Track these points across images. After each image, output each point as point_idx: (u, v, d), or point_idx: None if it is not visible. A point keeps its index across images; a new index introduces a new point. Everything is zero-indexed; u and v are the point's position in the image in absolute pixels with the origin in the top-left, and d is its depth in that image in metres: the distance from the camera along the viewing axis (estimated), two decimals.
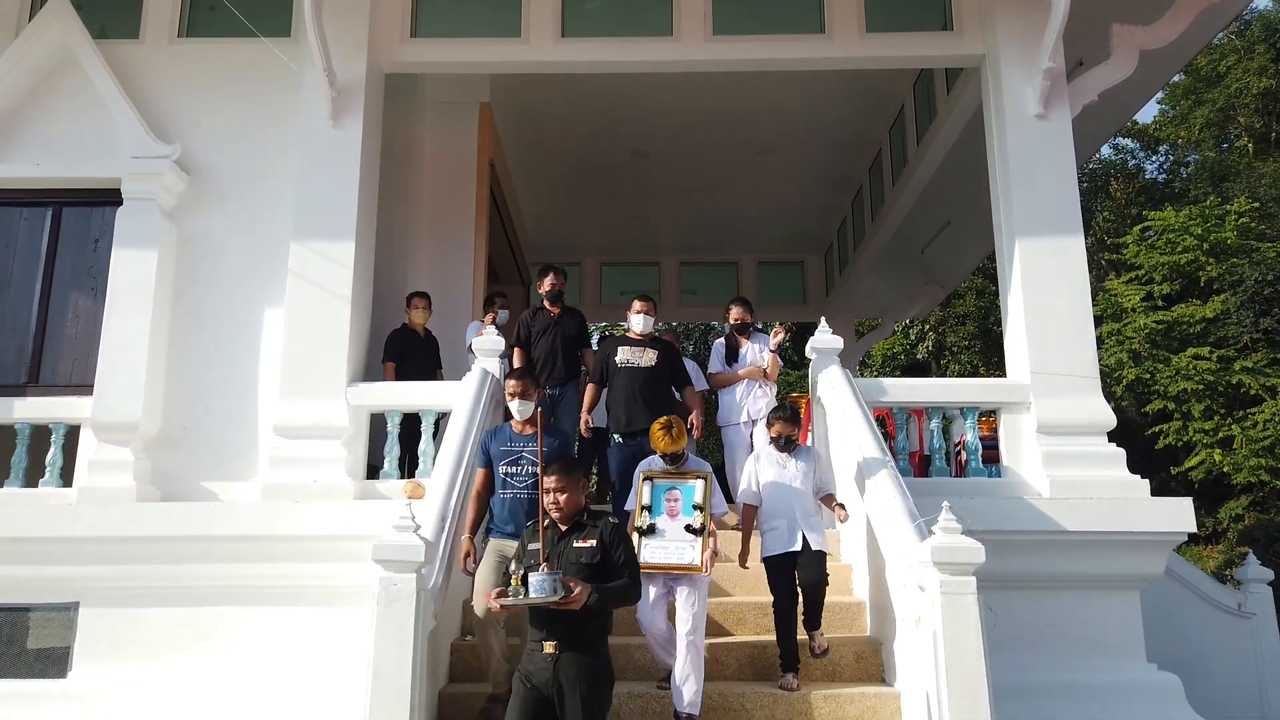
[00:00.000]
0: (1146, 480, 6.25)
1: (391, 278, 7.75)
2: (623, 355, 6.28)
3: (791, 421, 5.32)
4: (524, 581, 3.75)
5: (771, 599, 5.16)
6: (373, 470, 6.70)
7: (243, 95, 7.15)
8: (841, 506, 5.20)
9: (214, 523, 6.05)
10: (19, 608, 6.10)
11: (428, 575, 4.39)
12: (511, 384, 5.24)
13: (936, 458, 6.67)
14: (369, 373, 6.94)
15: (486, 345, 6.66)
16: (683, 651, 4.58)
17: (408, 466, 6.86)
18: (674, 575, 4.71)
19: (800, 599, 5.05)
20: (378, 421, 6.70)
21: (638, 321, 6.41)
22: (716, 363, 7.23)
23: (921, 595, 4.38)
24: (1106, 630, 6.02)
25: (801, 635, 5.06)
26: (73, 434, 6.56)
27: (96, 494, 6.19)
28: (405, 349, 7.25)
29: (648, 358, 6.24)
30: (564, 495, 4.01)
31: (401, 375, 7.03)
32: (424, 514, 4.79)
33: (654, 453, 5.35)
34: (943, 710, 4.05)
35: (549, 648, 3.78)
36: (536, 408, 4.86)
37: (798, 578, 5.03)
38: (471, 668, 5.16)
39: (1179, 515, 6.01)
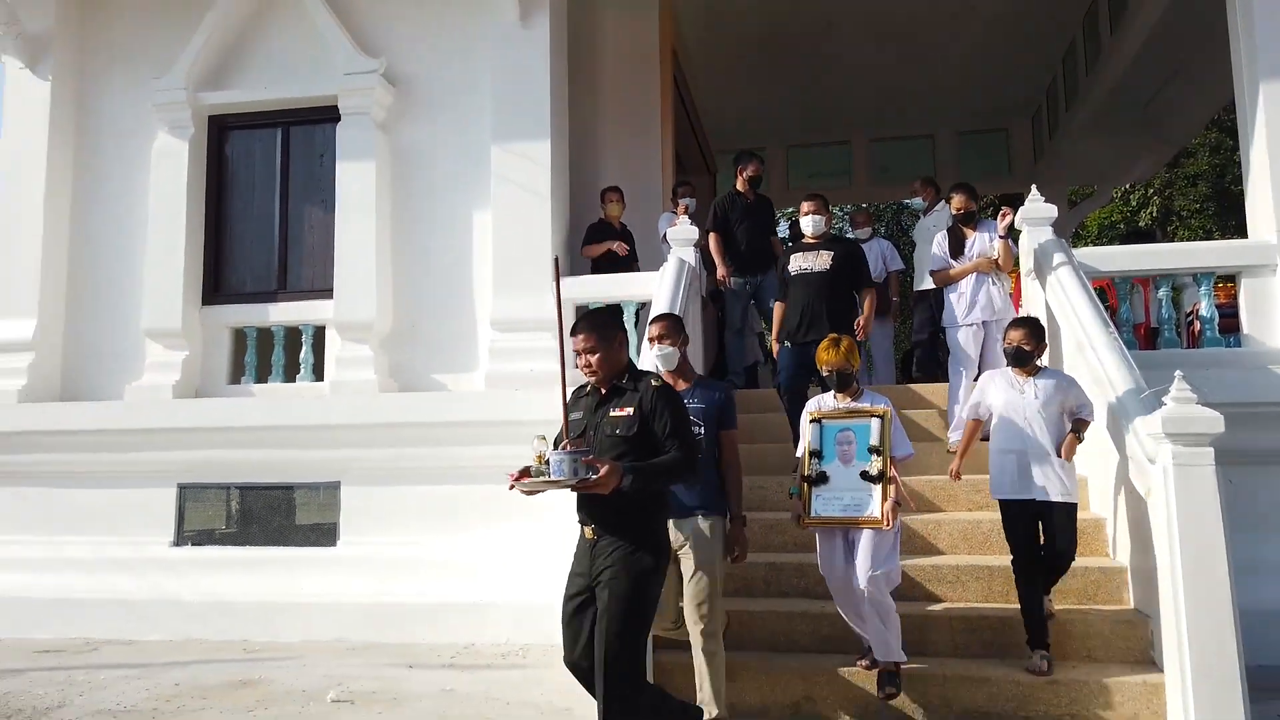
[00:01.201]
0: None
1: (584, 172, 7.94)
2: (796, 264, 5.90)
3: (1032, 333, 4.47)
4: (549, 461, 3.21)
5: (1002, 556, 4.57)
6: None
7: (436, 2, 7.39)
8: (1076, 437, 4.34)
9: (445, 410, 6.62)
10: (288, 485, 6.99)
11: None
12: (654, 327, 4.31)
13: (1166, 329, 6.23)
14: (572, 267, 7.23)
15: (681, 235, 6.76)
16: (864, 604, 4.08)
17: None
18: (854, 529, 4.11)
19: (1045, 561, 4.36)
20: (582, 313, 7.01)
21: (807, 224, 5.98)
22: (939, 258, 6.39)
23: (1151, 468, 4.19)
24: None
25: None
26: (319, 334, 7.30)
27: (344, 386, 6.90)
28: (603, 242, 7.47)
29: (822, 261, 5.82)
30: (595, 355, 3.40)
31: (600, 268, 7.29)
32: None
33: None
34: (1177, 584, 3.91)
35: (588, 532, 3.39)
36: (682, 352, 4.24)
37: (1042, 539, 4.34)
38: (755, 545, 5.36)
39: None
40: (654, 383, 3.41)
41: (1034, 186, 6.52)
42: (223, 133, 7.72)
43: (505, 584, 6.27)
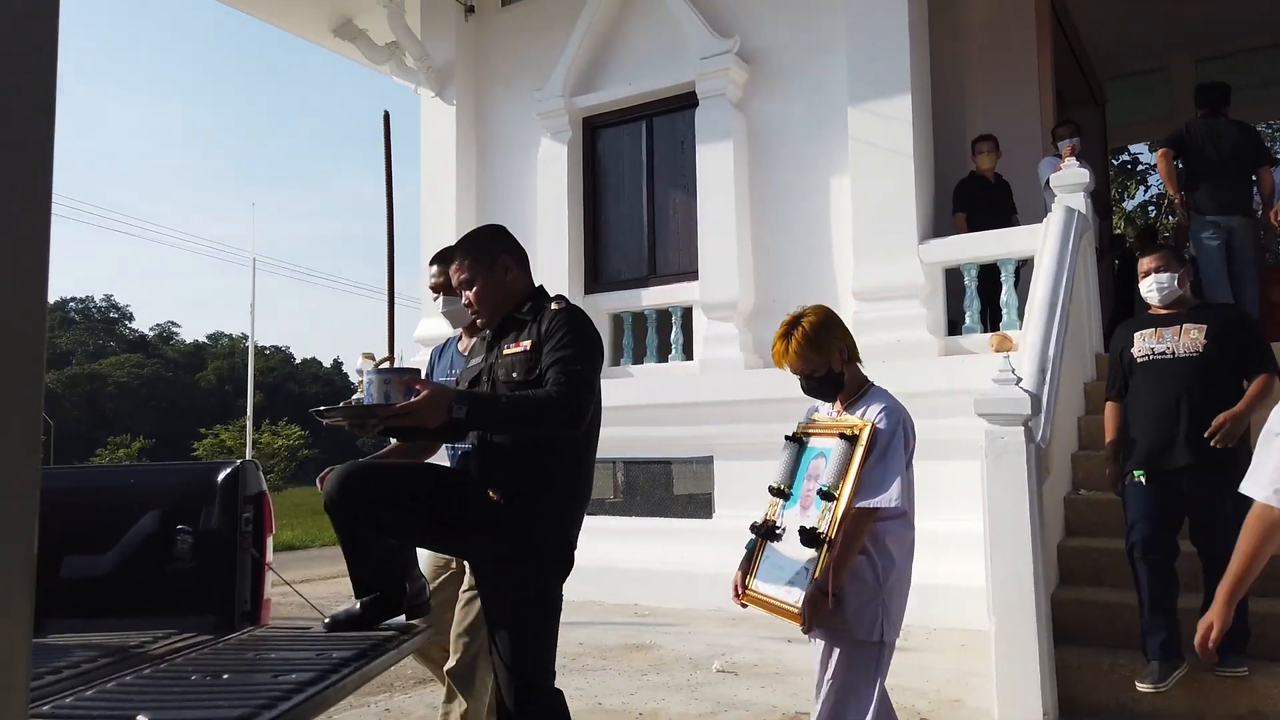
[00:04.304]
0: None
1: (949, 124, 7.40)
2: (1144, 345, 3.91)
3: None
4: None
5: None
6: (953, 326, 6.60)
7: None
8: None
9: None
10: (665, 460, 7.36)
11: (1034, 428, 4.17)
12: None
13: None
14: (940, 228, 6.77)
15: (1069, 180, 6.05)
16: None
17: (989, 320, 6.61)
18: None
19: None
20: (953, 276, 6.55)
21: (1150, 289, 3.94)
22: None
23: None
24: None
25: None
26: (687, 314, 7.58)
27: (712, 364, 7.10)
28: (975, 197, 6.93)
29: (1188, 340, 3.77)
30: (473, 288, 2.57)
31: (974, 225, 6.73)
32: (1021, 366, 4.55)
33: (1199, 495, 3.66)
34: None
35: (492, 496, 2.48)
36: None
37: None
38: (1088, 521, 4.87)
39: None
40: (554, 305, 2.52)
41: None
42: (594, 132, 8.28)
43: None
